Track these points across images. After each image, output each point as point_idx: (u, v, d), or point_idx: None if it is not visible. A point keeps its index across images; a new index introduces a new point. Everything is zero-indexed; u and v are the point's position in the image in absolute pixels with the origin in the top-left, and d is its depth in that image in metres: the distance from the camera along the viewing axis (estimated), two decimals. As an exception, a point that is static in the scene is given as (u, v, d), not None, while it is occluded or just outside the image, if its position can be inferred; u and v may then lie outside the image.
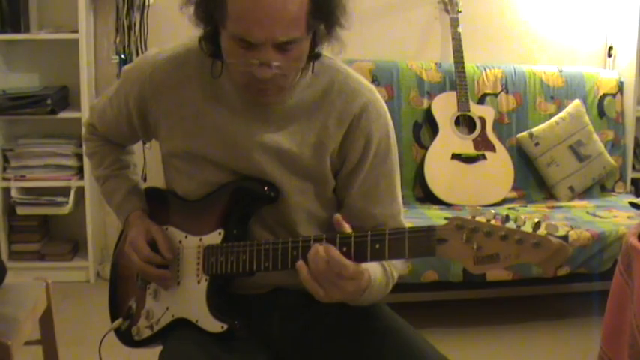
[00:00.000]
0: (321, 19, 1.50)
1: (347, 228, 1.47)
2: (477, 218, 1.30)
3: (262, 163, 1.63)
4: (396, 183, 1.71)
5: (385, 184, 1.68)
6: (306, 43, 1.51)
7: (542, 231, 1.25)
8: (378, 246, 1.41)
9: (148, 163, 3.72)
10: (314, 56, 1.59)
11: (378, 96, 1.69)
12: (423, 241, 1.36)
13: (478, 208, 1.31)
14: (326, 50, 1.61)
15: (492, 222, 1.29)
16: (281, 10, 1.42)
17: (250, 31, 1.44)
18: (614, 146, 4.11)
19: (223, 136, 1.63)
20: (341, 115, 1.63)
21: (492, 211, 1.30)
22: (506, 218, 1.28)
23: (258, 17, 1.42)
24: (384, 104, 1.69)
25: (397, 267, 1.66)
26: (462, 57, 3.86)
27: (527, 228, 1.26)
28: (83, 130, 1.96)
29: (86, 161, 3.78)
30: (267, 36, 1.44)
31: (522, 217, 1.27)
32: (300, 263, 1.46)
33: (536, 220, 1.26)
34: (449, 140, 3.79)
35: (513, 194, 3.89)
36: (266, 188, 1.63)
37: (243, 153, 1.63)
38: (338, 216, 1.50)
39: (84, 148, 1.98)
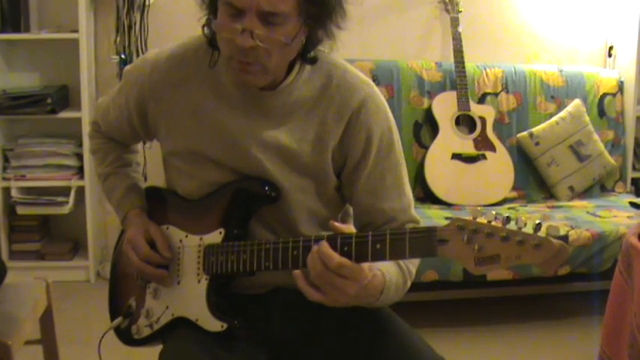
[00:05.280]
0: (315, 5, 1.49)
1: (344, 229, 1.47)
2: (478, 219, 1.30)
3: (262, 160, 1.63)
4: (403, 176, 1.70)
5: (391, 178, 1.67)
6: (294, 26, 1.50)
7: (543, 232, 1.25)
8: (378, 246, 1.41)
9: (148, 162, 3.71)
10: (309, 60, 1.60)
11: (376, 90, 1.68)
12: (424, 241, 1.36)
13: (479, 208, 1.31)
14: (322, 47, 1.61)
15: (493, 223, 1.28)
16: None
17: None
18: (615, 146, 4.11)
19: (223, 133, 1.63)
20: (339, 110, 1.63)
21: (493, 212, 1.29)
22: (507, 219, 1.28)
23: None
24: (382, 99, 1.69)
25: (412, 261, 1.64)
26: (463, 56, 3.86)
27: (529, 229, 1.25)
28: (88, 127, 1.97)
29: (86, 161, 3.79)
30: (253, 2, 1.44)
31: (523, 218, 1.27)
32: (296, 272, 1.45)
33: (537, 221, 1.26)
34: (449, 140, 3.79)
35: (513, 194, 3.88)
36: (267, 188, 1.63)
37: (243, 150, 1.63)
38: (332, 222, 1.49)
39: (88, 144, 1.99)
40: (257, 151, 1.62)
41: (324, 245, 1.42)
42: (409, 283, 1.63)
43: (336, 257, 1.41)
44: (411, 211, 1.71)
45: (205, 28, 1.60)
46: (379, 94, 1.69)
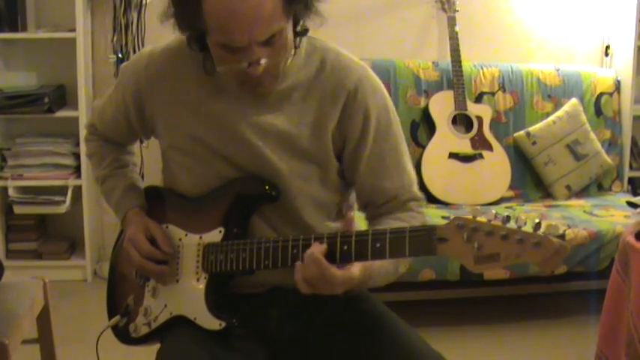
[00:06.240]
0: (296, 2, 1.52)
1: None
2: (478, 218, 1.30)
3: (261, 147, 1.63)
4: (403, 155, 1.72)
5: (391, 157, 1.69)
6: (288, 28, 1.54)
7: (542, 231, 1.25)
8: (378, 245, 1.42)
9: (145, 162, 3.72)
10: (301, 33, 1.62)
11: (370, 72, 1.71)
12: (424, 240, 1.37)
13: (479, 207, 1.32)
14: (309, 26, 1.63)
15: (493, 222, 1.29)
16: (257, 8, 1.44)
17: (232, 38, 1.48)
18: (611, 145, 4.11)
19: (221, 121, 1.64)
20: (335, 93, 1.65)
21: (493, 211, 1.30)
22: (507, 218, 1.28)
23: (237, 22, 1.45)
24: (377, 79, 1.71)
25: None
26: (459, 56, 3.86)
27: (528, 228, 1.26)
28: (84, 131, 1.98)
29: (83, 160, 3.78)
30: (249, 38, 1.47)
31: (523, 217, 1.27)
32: (298, 264, 1.47)
33: (537, 220, 1.26)
34: (446, 139, 3.79)
35: (510, 193, 3.88)
36: (267, 187, 1.63)
37: (241, 137, 1.64)
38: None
39: (85, 149, 1.99)
40: (255, 138, 1.63)
41: (323, 260, 1.44)
42: (408, 263, 1.66)
43: (331, 270, 1.43)
44: (413, 188, 1.72)
45: (192, 44, 1.60)
46: (374, 75, 1.71)
